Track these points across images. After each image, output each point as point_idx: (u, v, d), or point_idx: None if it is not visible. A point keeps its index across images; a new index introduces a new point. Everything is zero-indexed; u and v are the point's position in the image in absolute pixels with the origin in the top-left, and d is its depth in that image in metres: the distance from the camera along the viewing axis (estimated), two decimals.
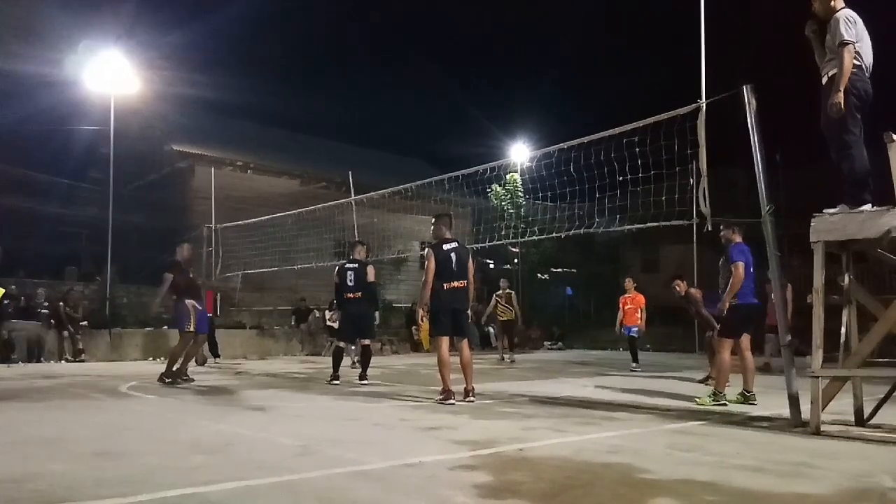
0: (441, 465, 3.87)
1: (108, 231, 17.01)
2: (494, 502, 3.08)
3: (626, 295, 12.54)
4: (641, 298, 12.44)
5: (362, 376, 8.94)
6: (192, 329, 9.19)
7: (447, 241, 7.20)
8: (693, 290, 9.56)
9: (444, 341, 7.07)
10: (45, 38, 20.65)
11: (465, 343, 7.21)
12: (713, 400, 6.78)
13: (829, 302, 5.20)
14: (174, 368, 9.14)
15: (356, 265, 9.18)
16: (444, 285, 7.00)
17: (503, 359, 14.76)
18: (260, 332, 18.39)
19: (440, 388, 7.01)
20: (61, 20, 21.92)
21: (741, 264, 6.78)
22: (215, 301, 14.54)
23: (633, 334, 12.31)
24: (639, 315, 12.28)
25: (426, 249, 7.26)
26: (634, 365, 11.95)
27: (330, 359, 9.59)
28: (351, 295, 9.10)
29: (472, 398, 6.97)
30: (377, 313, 9.56)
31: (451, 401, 6.79)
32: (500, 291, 14.90)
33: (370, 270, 9.19)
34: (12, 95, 20.84)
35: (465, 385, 7.06)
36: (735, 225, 7.27)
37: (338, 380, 8.89)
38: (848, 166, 5.14)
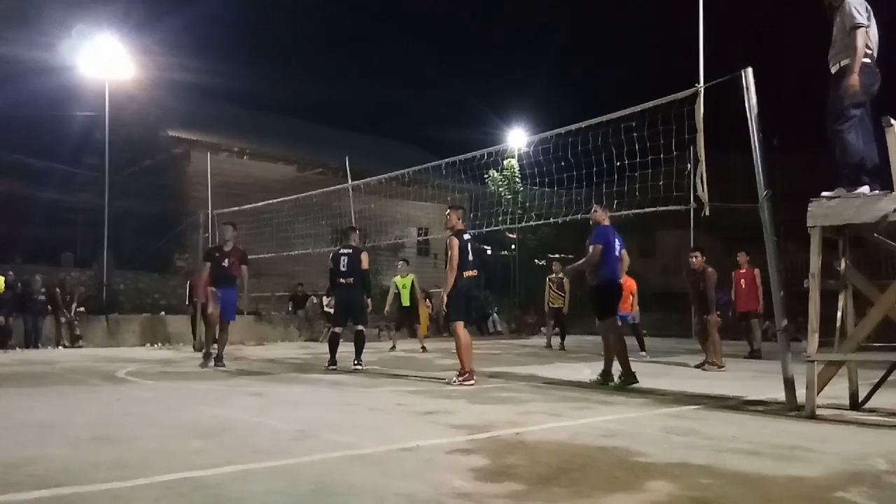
0: (438, 449, 3.88)
1: (105, 217, 16.95)
2: (491, 485, 3.09)
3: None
4: (632, 283, 11.52)
5: (357, 361, 8.96)
6: (210, 310, 9.49)
7: (464, 231, 7.61)
8: (710, 269, 9.38)
9: (463, 326, 7.41)
10: (38, 22, 20.48)
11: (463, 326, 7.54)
12: (624, 381, 7.13)
13: (825, 287, 5.21)
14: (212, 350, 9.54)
15: (350, 251, 9.23)
16: (464, 273, 7.38)
17: (549, 346, 14.34)
18: (257, 318, 18.40)
19: (458, 370, 7.33)
20: (55, 4, 21.72)
21: (599, 247, 7.23)
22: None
23: (630, 321, 11.52)
24: (631, 301, 11.42)
25: (448, 237, 7.53)
26: (643, 353, 11.24)
27: (327, 344, 9.62)
28: (343, 280, 9.16)
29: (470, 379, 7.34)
30: (369, 300, 9.64)
31: (473, 381, 7.19)
32: (553, 276, 14.06)
33: (364, 257, 9.24)
34: (6, 80, 20.69)
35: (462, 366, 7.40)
36: (604, 207, 7.65)
37: (335, 365, 8.92)
38: (841, 148, 5.15)
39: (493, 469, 3.40)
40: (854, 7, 5.16)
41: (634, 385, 7.05)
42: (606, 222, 7.54)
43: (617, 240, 7.48)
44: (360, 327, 9.29)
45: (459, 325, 7.36)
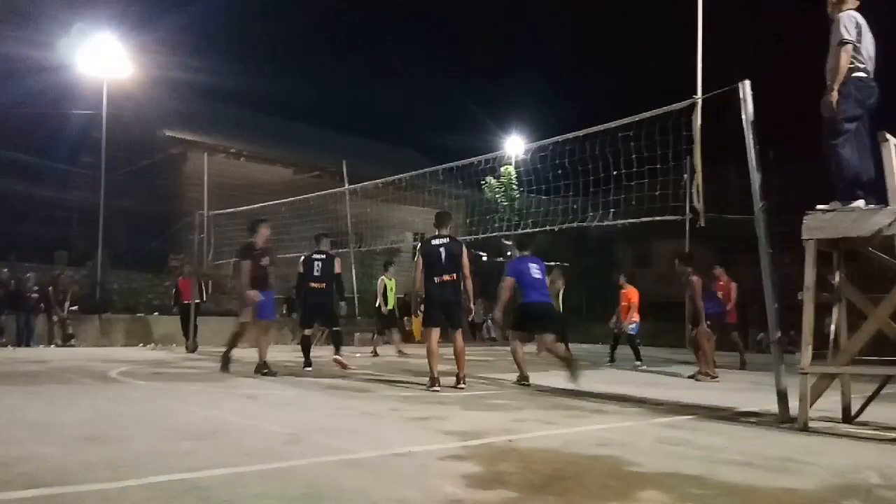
0: (431, 455, 3.87)
1: (100, 216, 16.92)
2: (483, 492, 3.08)
3: (621, 290, 12.11)
4: (634, 293, 11.98)
5: (337, 352, 9.41)
6: (244, 319, 8.80)
7: (438, 236, 7.49)
8: (695, 278, 9.36)
9: (433, 332, 7.40)
10: (38, 20, 20.47)
11: (458, 333, 7.49)
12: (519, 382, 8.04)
13: (819, 300, 5.23)
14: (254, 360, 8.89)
15: (324, 256, 9.47)
16: (435, 279, 7.31)
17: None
18: None
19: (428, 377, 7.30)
20: (54, 2, 21.72)
21: (509, 279, 7.98)
22: (201, 288, 14.57)
23: (629, 331, 11.97)
24: (630, 312, 11.93)
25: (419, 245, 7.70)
26: (638, 363, 11.53)
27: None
28: (315, 285, 9.38)
29: (462, 385, 7.34)
30: (344, 304, 9.84)
31: (436, 388, 7.11)
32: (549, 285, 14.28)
33: (337, 263, 9.57)
34: (4, 78, 20.66)
35: (457, 373, 7.42)
36: (512, 238, 8.58)
37: (310, 367, 9.09)
38: (835, 163, 5.17)
39: (486, 476, 3.40)
40: (844, 23, 5.18)
41: (526, 384, 8.00)
42: (518, 255, 8.32)
43: (532, 266, 8.05)
44: (334, 328, 9.62)
45: (429, 332, 7.41)
